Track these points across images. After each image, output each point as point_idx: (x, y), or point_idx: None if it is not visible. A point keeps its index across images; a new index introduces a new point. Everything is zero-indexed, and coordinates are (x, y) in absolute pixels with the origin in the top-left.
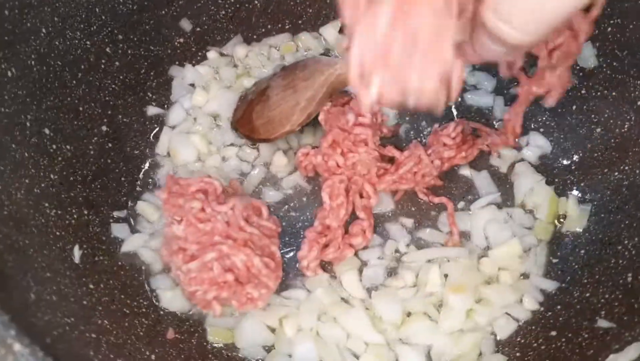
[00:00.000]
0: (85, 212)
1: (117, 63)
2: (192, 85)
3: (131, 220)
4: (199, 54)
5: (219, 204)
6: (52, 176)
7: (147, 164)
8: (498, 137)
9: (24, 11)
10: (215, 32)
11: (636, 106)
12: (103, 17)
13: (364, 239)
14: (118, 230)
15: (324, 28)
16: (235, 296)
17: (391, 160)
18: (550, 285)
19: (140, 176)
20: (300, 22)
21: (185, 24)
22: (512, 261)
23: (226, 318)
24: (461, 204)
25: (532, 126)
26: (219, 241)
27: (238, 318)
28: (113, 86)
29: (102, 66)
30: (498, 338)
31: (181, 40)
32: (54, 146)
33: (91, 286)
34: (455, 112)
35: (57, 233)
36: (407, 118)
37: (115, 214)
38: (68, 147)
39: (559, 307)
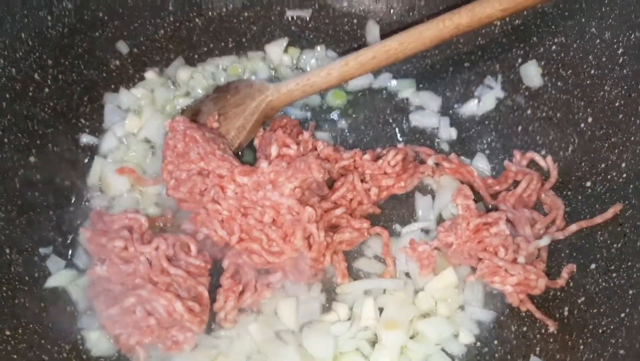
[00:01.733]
0: (7, 251)
1: (46, 90)
2: (127, 110)
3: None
4: (137, 76)
5: (142, 244)
6: None
7: (77, 195)
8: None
9: None
10: (154, 53)
11: (579, 128)
12: (30, 43)
13: (284, 275)
14: (52, 264)
15: (269, 46)
16: (159, 340)
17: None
18: (487, 316)
19: (71, 208)
20: (244, 40)
21: (122, 46)
22: (449, 291)
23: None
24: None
25: (478, 148)
26: (140, 284)
27: None
28: (42, 113)
29: (30, 94)
30: None
31: (117, 62)
32: None
33: (7, 332)
34: (399, 134)
35: None
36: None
37: (41, 251)
38: None
39: (495, 342)
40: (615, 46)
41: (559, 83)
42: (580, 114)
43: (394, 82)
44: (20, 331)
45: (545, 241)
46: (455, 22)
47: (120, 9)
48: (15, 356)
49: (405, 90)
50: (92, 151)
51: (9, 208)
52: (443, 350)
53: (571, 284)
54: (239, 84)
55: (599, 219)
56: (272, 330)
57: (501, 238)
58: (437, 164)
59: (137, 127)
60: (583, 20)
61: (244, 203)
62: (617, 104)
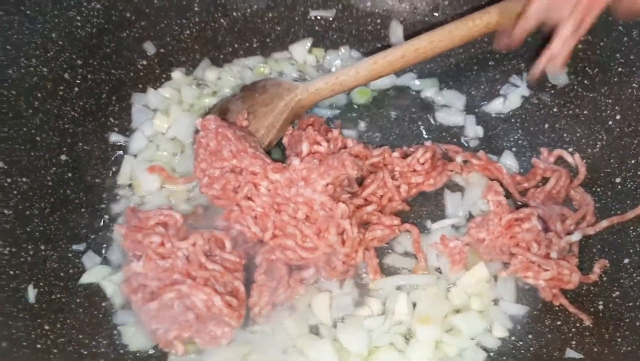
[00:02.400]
0: (42, 247)
1: (76, 89)
2: (155, 110)
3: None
4: (163, 76)
5: (179, 240)
6: (5, 211)
7: (108, 193)
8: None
9: None
10: (180, 53)
11: (607, 125)
12: (60, 43)
13: (316, 272)
14: (88, 260)
15: (294, 46)
16: (197, 334)
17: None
18: (520, 310)
19: (102, 206)
20: (268, 40)
21: (149, 46)
22: (481, 286)
23: (189, 356)
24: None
25: (505, 146)
26: (179, 279)
27: (201, 356)
28: (72, 112)
29: (61, 93)
30: None
31: (144, 62)
32: (9, 180)
33: (46, 327)
34: (425, 132)
35: (11, 272)
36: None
37: (74, 247)
38: (24, 179)
39: (530, 336)
40: None
41: (585, 81)
42: (608, 111)
43: (417, 82)
44: (58, 325)
45: (576, 237)
46: (485, 20)
47: (147, 9)
48: (55, 351)
49: (429, 89)
50: (122, 149)
51: (43, 205)
52: (478, 344)
53: (604, 278)
54: (266, 83)
55: (630, 214)
56: (307, 324)
57: (533, 233)
58: (465, 162)
59: (166, 126)
60: (610, 18)
61: (277, 200)
62: None
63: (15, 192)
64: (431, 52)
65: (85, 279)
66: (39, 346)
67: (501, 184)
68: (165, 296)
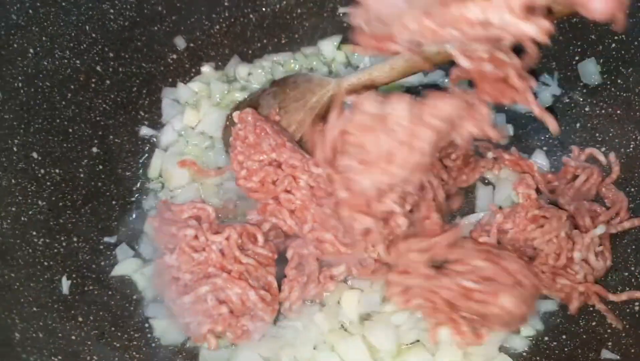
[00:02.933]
0: (75, 239)
1: (107, 82)
2: (185, 104)
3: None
4: (193, 70)
5: (213, 234)
6: (40, 202)
7: (139, 187)
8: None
9: (10, 32)
10: (209, 48)
11: None
12: (93, 35)
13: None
14: (121, 252)
15: (322, 42)
16: (230, 328)
17: None
18: (552, 307)
19: (133, 199)
20: (297, 36)
21: (179, 40)
22: None
23: (221, 350)
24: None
25: (536, 144)
26: (213, 273)
27: (233, 350)
28: (104, 105)
29: (93, 85)
30: None
31: (174, 56)
32: (42, 171)
33: (80, 319)
34: None
35: (45, 264)
36: None
37: (106, 240)
38: (57, 171)
39: (564, 336)
40: None
41: (619, 80)
42: None
43: (445, 80)
44: (91, 318)
45: (600, 230)
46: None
47: (178, 4)
48: (89, 342)
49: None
50: (152, 143)
51: (75, 197)
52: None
53: None
54: (297, 78)
55: None
56: (337, 320)
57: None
58: (496, 158)
59: (195, 120)
60: None
61: (319, 193)
62: None
63: (48, 183)
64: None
65: (117, 271)
66: (73, 338)
67: None
68: (201, 289)
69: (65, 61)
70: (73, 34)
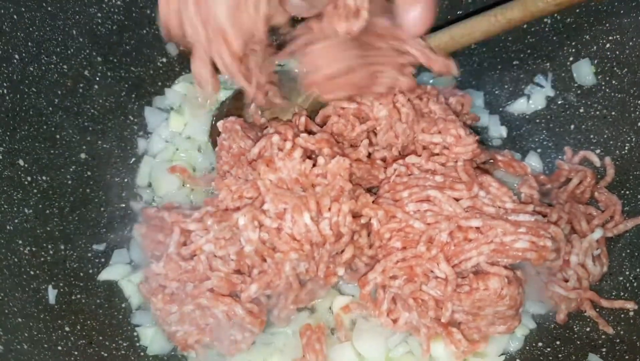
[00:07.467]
0: (62, 247)
1: (95, 86)
2: (169, 110)
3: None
4: (182, 74)
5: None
6: (26, 210)
7: (128, 192)
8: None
9: None
10: None
11: (636, 127)
12: (81, 39)
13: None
14: (108, 259)
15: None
16: (218, 339)
17: None
18: (539, 308)
19: (122, 205)
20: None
21: (171, 47)
22: None
23: (210, 358)
24: None
25: (530, 146)
26: (196, 293)
27: (221, 359)
28: (92, 110)
29: (80, 90)
30: None
31: (164, 60)
32: (29, 178)
33: (67, 328)
34: None
35: (31, 272)
36: None
37: (94, 247)
38: (44, 178)
39: (558, 342)
40: None
41: (613, 81)
42: (638, 112)
43: (431, 81)
44: (78, 327)
45: (598, 234)
46: (508, 16)
47: None
48: (75, 353)
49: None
50: (140, 148)
51: (62, 204)
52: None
53: (635, 284)
54: (281, 77)
55: None
56: (328, 327)
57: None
58: (490, 160)
59: (181, 126)
60: None
61: None
62: None
63: (35, 190)
64: (452, 48)
65: (104, 276)
66: (59, 348)
67: None
68: (186, 308)
69: (52, 66)
70: (60, 39)
